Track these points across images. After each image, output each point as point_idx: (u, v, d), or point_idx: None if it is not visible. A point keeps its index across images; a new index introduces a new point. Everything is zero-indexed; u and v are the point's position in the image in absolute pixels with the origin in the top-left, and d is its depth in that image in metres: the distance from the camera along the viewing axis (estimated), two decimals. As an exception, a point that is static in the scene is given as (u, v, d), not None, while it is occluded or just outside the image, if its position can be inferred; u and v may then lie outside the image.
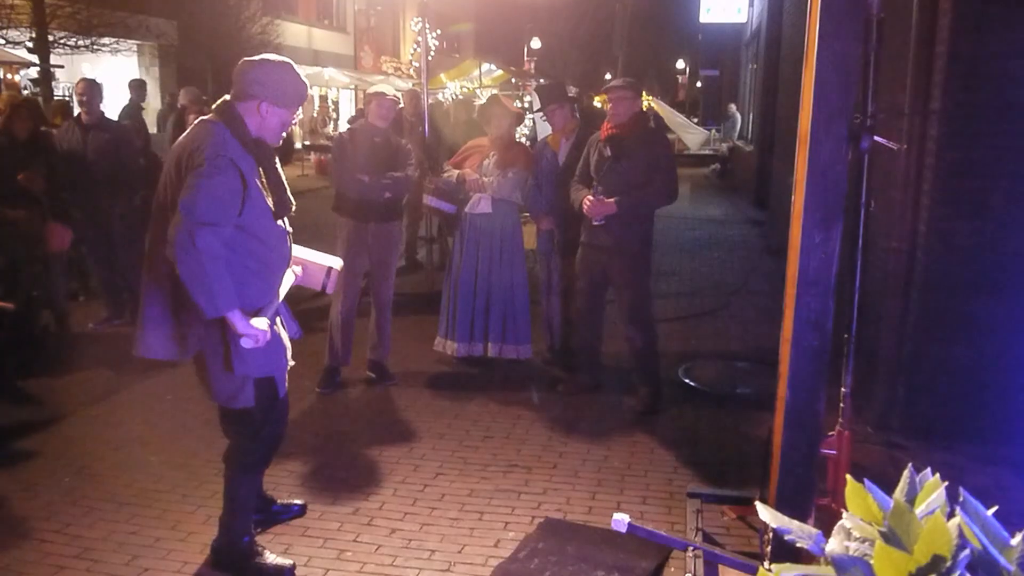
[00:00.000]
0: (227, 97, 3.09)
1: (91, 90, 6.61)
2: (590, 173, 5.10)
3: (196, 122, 3.10)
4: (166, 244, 2.87)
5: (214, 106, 3.11)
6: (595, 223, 4.96)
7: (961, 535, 1.11)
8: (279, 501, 3.80)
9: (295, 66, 3.16)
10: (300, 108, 3.24)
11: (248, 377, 3.10)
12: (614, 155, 4.94)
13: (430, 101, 8.72)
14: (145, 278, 3.14)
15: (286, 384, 3.31)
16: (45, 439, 4.65)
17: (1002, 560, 1.09)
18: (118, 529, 3.66)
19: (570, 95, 6.10)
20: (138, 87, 10.60)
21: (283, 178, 3.20)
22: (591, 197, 4.91)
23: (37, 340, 6.10)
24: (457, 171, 5.76)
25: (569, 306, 5.83)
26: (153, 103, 17.20)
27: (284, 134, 3.21)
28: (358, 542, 3.59)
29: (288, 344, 3.30)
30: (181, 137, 3.10)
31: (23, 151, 6.05)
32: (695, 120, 33.23)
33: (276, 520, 3.72)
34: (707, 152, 24.04)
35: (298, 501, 3.86)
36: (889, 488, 1.28)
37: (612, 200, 4.86)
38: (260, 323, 2.98)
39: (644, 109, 6.14)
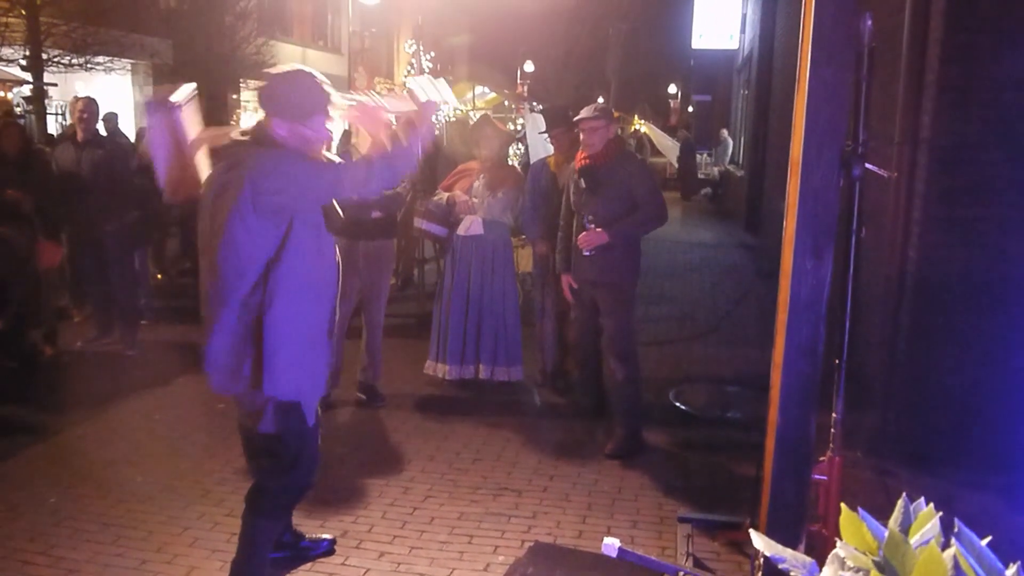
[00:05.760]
0: (260, 119, 2.95)
1: (91, 108, 6.62)
2: (571, 206, 4.96)
3: (229, 146, 2.91)
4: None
5: (248, 128, 2.96)
6: (585, 254, 4.76)
7: (956, 566, 1.11)
8: (308, 536, 3.68)
9: (307, 72, 2.91)
10: (330, 120, 2.95)
11: (274, 400, 2.93)
12: (589, 187, 4.78)
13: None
14: (206, 313, 2.95)
15: (316, 413, 3.15)
16: (30, 458, 4.61)
17: (997, 591, 1.09)
18: (103, 551, 3.61)
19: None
20: (111, 119, 10.48)
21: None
22: (583, 234, 4.74)
23: (26, 358, 6.06)
24: (447, 194, 5.76)
25: (563, 329, 5.82)
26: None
27: (324, 150, 3.00)
28: (346, 565, 3.56)
29: (325, 372, 3.19)
30: (214, 171, 2.93)
31: (13, 169, 6.04)
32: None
33: (306, 557, 3.57)
34: (698, 177, 24.12)
35: (327, 536, 3.72)
36: (880, 513, 1.28)
37: (602, 230, 4.69)
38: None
39: (633, 131, 6.11)
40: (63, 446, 4.79)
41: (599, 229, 4.70)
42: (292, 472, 3.10)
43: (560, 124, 5.72)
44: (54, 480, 4.30)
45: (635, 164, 5.03)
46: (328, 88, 2.94)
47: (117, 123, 10.36)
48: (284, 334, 2.87)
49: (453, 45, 33.49)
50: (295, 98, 2.88)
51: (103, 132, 7.98)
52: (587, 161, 4.82)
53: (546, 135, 5.96)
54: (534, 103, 23.36)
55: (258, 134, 2.91)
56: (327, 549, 3.66)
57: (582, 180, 4.82)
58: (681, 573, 3.16)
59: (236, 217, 2.76)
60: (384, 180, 3.07)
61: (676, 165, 25.81)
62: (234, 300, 2.83)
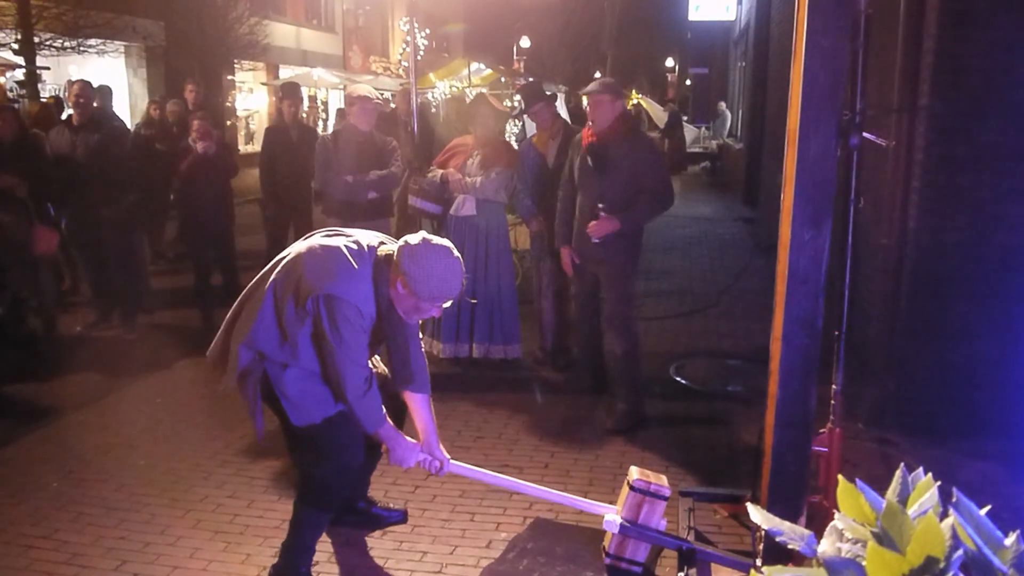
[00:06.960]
0: (397, 249, 2.99)
1: (87, 92, 6.58)
2: (574, 180, 4.93)
3: (354, 241, 3.04)
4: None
5: (386, 249, 3.04)
6: (595, 241, 4.71)
7: (955, 536, 1.10)
8: (380, 504, 3.78)
9: (456, 263, 2.97)
10: (440, 305, 3.04)
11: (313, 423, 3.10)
12: (596, 167, 4.72)
13: (419, 100, 8.68)
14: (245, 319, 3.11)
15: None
16: (32, 444, 4.61)
17: (996, 561, 1.08)
18: (106, 534, 3.63)
19: (548, 93, 6.06)
20: (106, 94, 10.34)
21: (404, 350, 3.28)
22: (594, 223, 4.69)
23: (24, 344, 6.06)
24: (441, 171, 5.73)
25: (562, 306, 5.81)
26: (140, 104, 17.10)
27: (418, 320, 3.17)
28: (349, 544, 3.57)
29: None
30: (329, 238, 3.08)
31: (9, 154, 6.02)
32: (684, 118, 33.23)
33: (378, 523, 3.68)
34: (697, 150, 24.03)
35: (399, 507, 3.81)
36: (881, 484, 1.27)
37: (614, 217, 4.65)
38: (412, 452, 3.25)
39: (632, 105, 6.05)
40: (65, 431, 4.80)
41: (610, 216, 4.66)
42: (334, 459, 3.15)
43: (538, 100, 5.68)
44: (56, 465, 4.31)
45: (645, 147, 4.95)
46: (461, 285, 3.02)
47: (111, 99, 10.12)
48: (297, 387, 3.07)
49: (448, 24, 33.21)
50: (432, 280, 2.92)
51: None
52: (594, 139, 4.77)
53: (526, 114, 5.94)
54: (530, 79, 23.22)
55: (380, 271, 2.99)
56: (400, 519, 3.74)
57: (589, 159, 4.76)
58: (683, 547, 3.17)
59: (291, 309, 2.96)
60: (357, 407, 3.03)
61: (666, 139, 25.79)
62: (260, 347, 3.04)
